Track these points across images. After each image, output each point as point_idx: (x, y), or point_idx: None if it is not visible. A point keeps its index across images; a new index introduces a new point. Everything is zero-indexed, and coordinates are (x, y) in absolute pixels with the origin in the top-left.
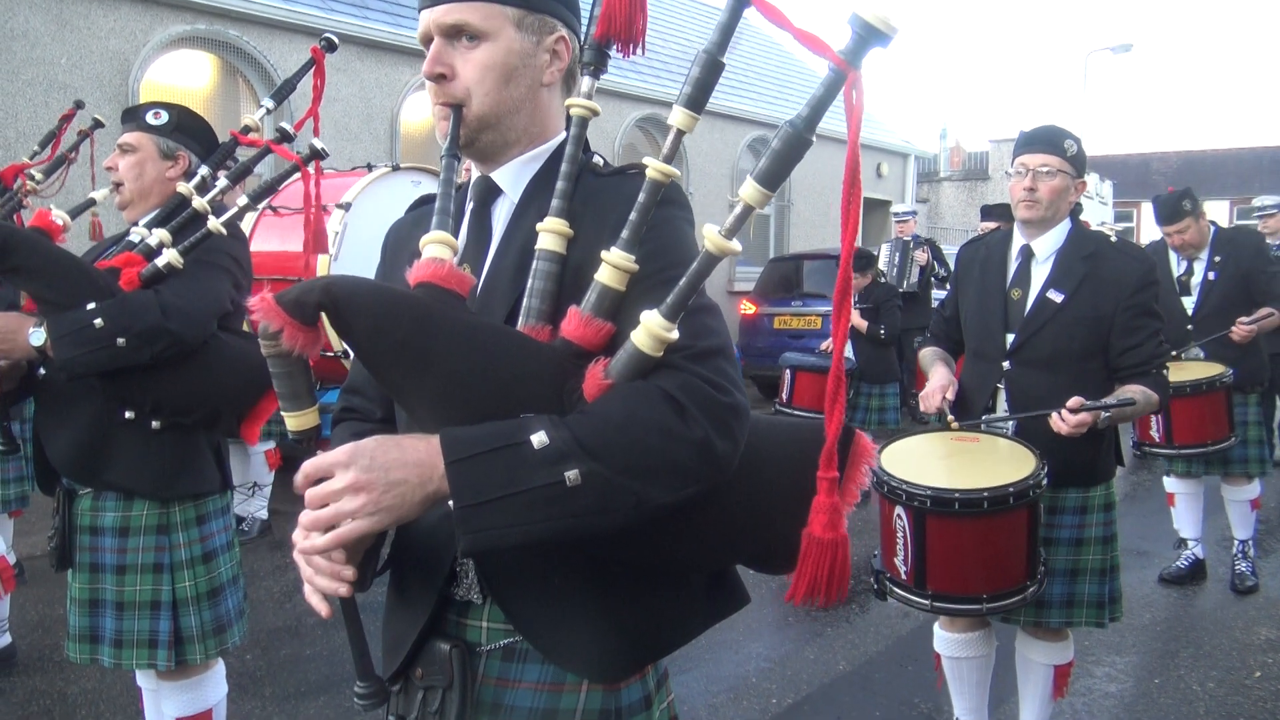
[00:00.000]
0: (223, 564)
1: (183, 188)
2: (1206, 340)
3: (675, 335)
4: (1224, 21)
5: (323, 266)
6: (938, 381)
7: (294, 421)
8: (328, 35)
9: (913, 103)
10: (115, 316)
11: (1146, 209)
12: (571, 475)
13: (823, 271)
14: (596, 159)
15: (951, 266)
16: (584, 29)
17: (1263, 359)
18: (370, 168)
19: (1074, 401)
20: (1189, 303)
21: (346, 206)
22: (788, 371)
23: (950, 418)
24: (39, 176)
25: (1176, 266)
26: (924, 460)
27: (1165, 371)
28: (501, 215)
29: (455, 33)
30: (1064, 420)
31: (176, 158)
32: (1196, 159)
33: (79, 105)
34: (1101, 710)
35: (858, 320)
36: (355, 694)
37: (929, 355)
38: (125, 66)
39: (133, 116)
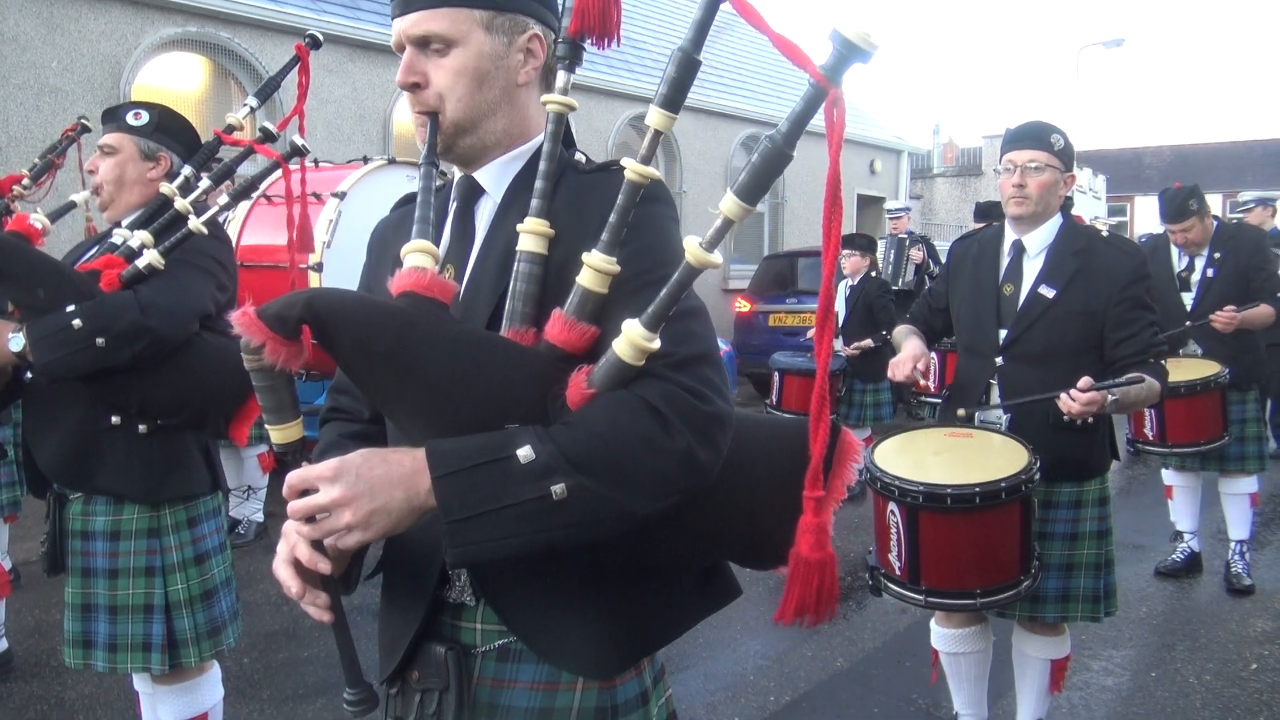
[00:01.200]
0: (215, 566)
1: (166, 188)
2: (1196, 324)
3: (656, 345)
4: (1215, 15)
5: (317, 254)
6: (909, 351)
7: (278, 434)
8: (312, 33)
9: (906, 99)
10: (93, 317)
11: (1140, 203)
12: (557, 489)
13: (817, 268)
14: (579, 156)
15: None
16: (561, 23)
17: (1260, 355)
18: (366, 160)
19: (1084, 381)
20: (1188, 299)
21: (342, 195)
22: (776, 374)
23: (961, 415)
24: (26, 181)
25: (1178, 262)
26: (917, 456)
27: (1163, 363)
28: (485, 215)
29: (424, 42)
30: (1073, 399)
31: (158, 158)
32: (1189, 152)
33: (89, 126)
34: (1099, 704)
35: (861, 346)
36: (345, 700)
37: (904, 330)
38: (116, 69)
39: (113, 117)
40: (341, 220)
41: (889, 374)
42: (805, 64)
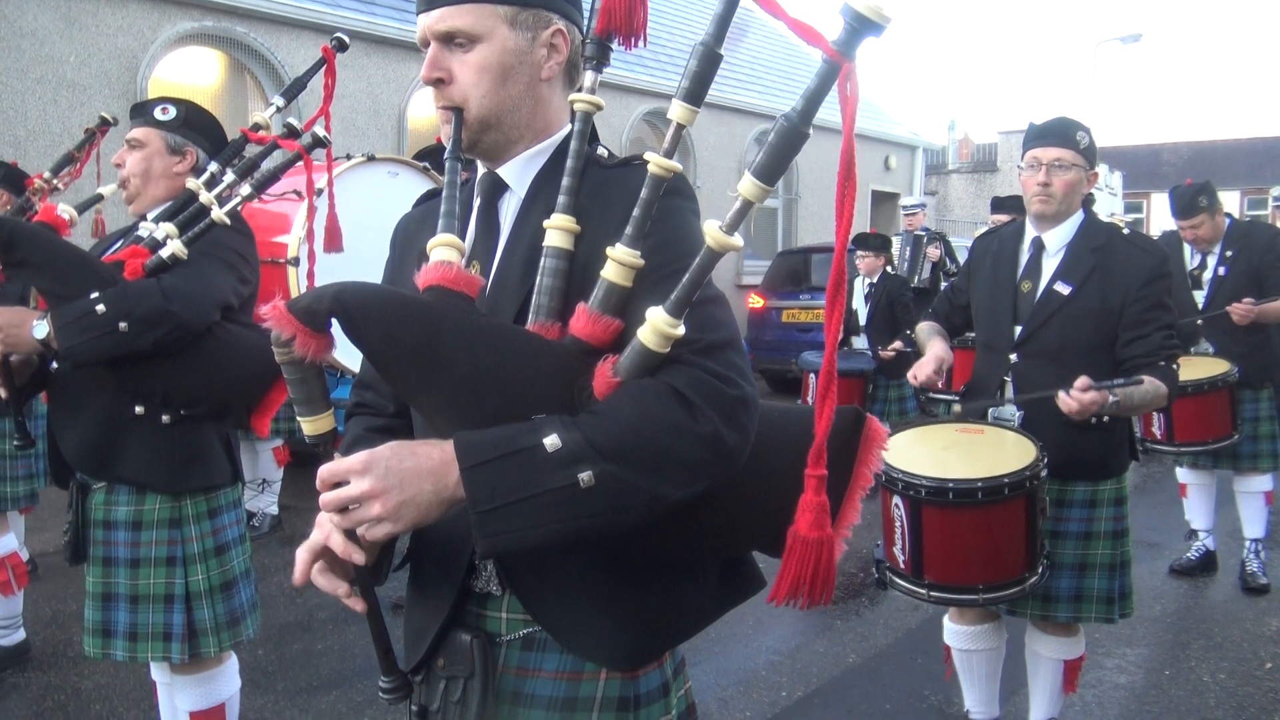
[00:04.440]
0: (235, 557)
1: (192, 183)
2: (1209, 314)
3: (681, 331)
4: (1234, 10)
5: (292, 247)
6: (932, 353)
7: (310, 426)
8: (339, 35)
9: (921, 95)
10: (117, 302)
11: (1156, 200)
12: (585, 477)
13: (831, 265)
14: (601, 151)
15: (962, 261)
16: (585, 21)
17: (1274, 353)
18: (348, 157)
19: (1081, 381)
20: (1200, 297)
21: (320, 192)
22: (811, 375)
23: (956, 406)
24: (47, 175)
25: (1190, 259)
26: (925, 450)
27: (1175, 366)
28: (509, 211)
29: (449, 38)
30: (1071, 398)
31: (184, 153)
32: (1207, 149)
33: (113, 122)
34: (1112, 702)
35: (895, 349)
36: (380, 689)
37: (926, 329)
38: (133, 64)
39: (140, 112)
40: (319, 216)
41: (909, 375)
42: (818, 41)
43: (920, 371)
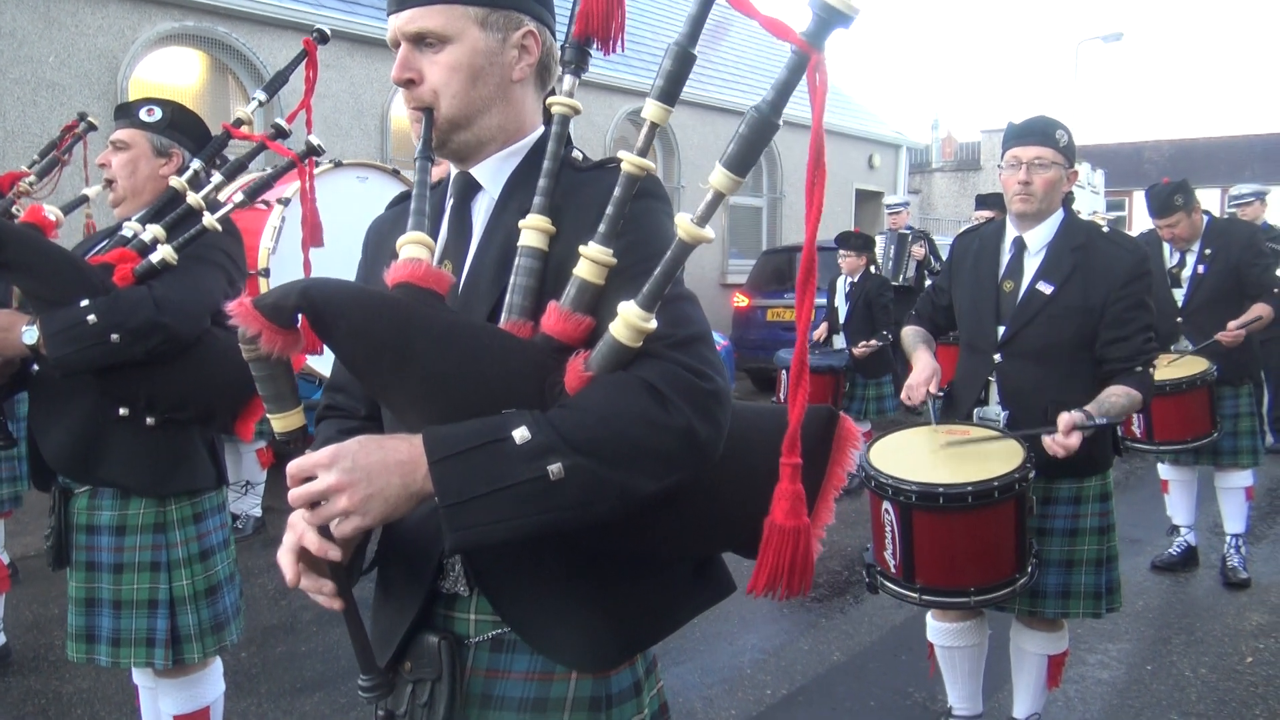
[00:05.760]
0: (219, 562)
1: (175, 182)
2: (1199, 347)
3: (653, 325)
4: (1215, 9)
5: (262, 258)
6: (921, 374)
7: (279, 423)
8: (320, 27)
9: (904, 94)
10: (108, 312)
11: (1138, 198)
12: (554, 469)
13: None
14: (575, 154)
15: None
16: (567, 26)
17: (1253, 352)
18: (315, 164)
19: (1065, 422)
20: (1179, 295)
21: (286, 202)
22: (784, 372)
23: (934, 425)
24: (33, 179)
25: (1169, 258)
26: (912, 455)
27: (1151, 369)
28: (481, 211)
29: (419, 38)
30: (1058, 444)
31: (170, 155)
32: (1188, 147)
33: (82, 117)
34: (1094, 697)
35: (869, 346)
36: (360, 687)
37: (911, 336)
38: (114, 64)
39: (126, 113)
40: (286, 226)
41: (904, 398)
42: (788, 35)
43: (915, 395)
